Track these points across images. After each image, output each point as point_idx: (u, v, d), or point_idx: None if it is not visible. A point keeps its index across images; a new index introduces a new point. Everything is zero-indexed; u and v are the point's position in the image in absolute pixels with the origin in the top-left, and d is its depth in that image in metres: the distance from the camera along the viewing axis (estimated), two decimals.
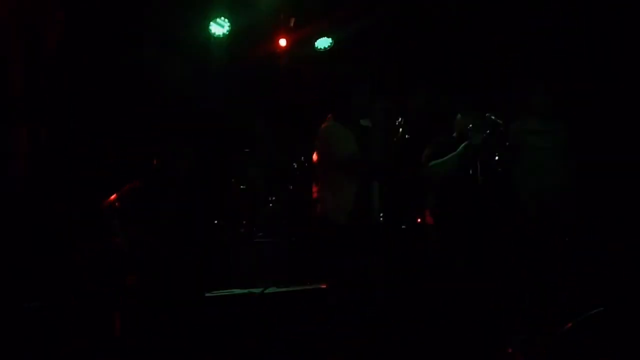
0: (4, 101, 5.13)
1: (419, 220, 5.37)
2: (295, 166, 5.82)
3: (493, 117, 4.78)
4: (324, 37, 6.73)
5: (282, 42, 6.86)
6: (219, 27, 6.45)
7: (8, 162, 5.13)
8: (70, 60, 5.38)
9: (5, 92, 5.15)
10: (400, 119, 4.07)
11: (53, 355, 4.40)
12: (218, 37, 6.46)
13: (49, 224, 5.07)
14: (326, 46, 6.75)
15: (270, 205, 5.94)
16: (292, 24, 6.78)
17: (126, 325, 4.16)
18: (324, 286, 4.26)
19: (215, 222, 5.30)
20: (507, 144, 4.97)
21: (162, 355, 4.10)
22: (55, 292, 4.80)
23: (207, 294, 4.69)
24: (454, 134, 5.00)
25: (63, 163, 5.28)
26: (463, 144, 4.69)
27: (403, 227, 5.68)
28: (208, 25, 6.38)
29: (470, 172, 4.67)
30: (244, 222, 5.74)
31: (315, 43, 6.74)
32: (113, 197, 4.34)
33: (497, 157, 4.81)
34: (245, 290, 5.05)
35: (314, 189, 4.39)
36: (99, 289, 4.66)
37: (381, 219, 4.30)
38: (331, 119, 4.04)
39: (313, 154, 4.98)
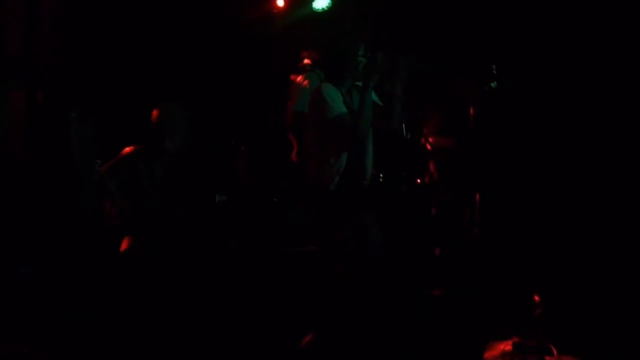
0: (2, 63, 5.11)
1: (418, 181, 5.39)
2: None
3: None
4: None
5: (280, 3, 6.79)
6: None
7: (5, 125, 5.15)
8: (66, 23, 5.35)
9: (4, 54, 5.13)
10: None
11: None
12: None
13: (45, 188, 5.10)
14: (324, 7, 6.66)
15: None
16: None
17: (123, 289, 4.19)
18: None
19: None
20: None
21: (160, 320, 4.15)
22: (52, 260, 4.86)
23: (205, 255, 4.72)
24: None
25: (60, 126, 5.28)
26: None
27: (402, 187, 5.71)
28: None
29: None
30: (244, 184, 5.77)
31: (313, 3, 6.65)
32: (111, 161, 4.35)
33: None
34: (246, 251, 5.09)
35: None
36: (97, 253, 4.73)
37: (381, 179, 4.30)
38: (311, 71, 4.02)
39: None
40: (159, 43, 5.73)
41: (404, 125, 4.19)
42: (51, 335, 4.43)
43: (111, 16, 5.47)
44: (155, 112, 4.31)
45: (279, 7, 6.79)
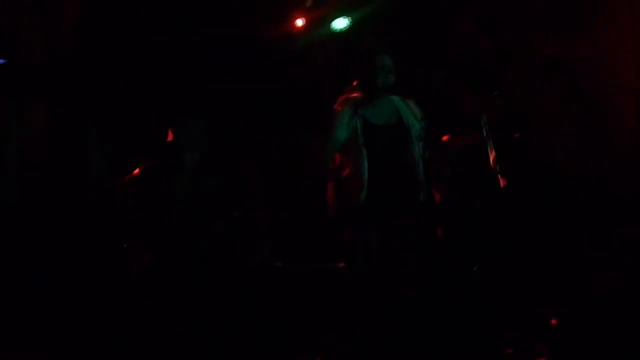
0: (22, 77, 5.14)
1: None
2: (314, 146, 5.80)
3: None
4: (341, 17, 6.63)
5: (299, 22, 6.81)
6: None
7: (24, 140, 5.17)
8: (87, 35, 5.38)
9: (24, 66, 5.17)
10: None
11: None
12: None
13: (64, 202, 5.11)
14: (343, 27, 6.64)
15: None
16: (308, 4, 6.72)
17: (140, 303, 4.16)
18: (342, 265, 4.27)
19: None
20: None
21: (177, 331, 4.12)
22: (69, 273, 4.86)
23: (223, 270, 4.69)
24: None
25: (78, 140, 5.30)
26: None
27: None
28: None
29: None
30: (261, 199, 5.74)
31: (332, 24, 6.65)
32: (129, 175, 4.35)
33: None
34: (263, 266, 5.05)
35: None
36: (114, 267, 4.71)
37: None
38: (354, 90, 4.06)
39: None
40: (179, 58, 5.75)
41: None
42: (64, 341, 4.43)
43: (131, 30, 5.50)
44: (173, 128, 4.31)
45: (299, 27, 6.82)
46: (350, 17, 6.57)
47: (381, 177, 3.98)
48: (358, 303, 4.03)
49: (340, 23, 6.65)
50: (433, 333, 4.03)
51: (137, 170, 4.37)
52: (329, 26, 6.64)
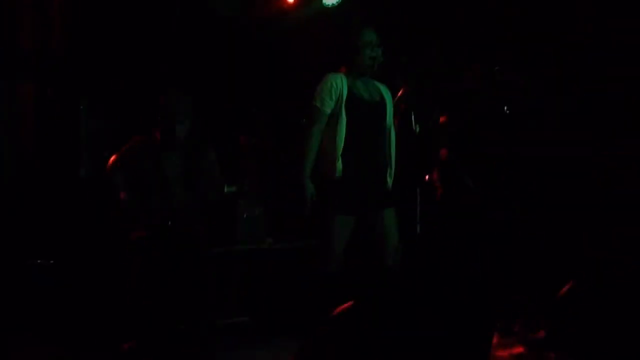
0: (13, 58, 5.12)
1: (426, 177, 5.34)
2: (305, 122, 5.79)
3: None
4: None
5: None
6: None
7: (15, 120, 5.15)
8: (77, 16, 5.36)
9: (14, 48, 5.15)
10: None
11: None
12: None
13: (55, 183, 5.11)
14: (334, 2, 6.58)
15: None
16: None
17: (132, 281, 4.17)
18: None
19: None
20: None
21: (168, 311, 4.13)
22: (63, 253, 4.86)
23: (213, 249, 4.71)
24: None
25: (70, 119, 5.29)
26: None
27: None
28: None
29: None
30: (253, 179, 5.76)
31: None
32: (119, 154, 4.33)
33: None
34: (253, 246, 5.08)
35: None
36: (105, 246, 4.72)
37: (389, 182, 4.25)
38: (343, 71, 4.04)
39: None
40: (170, 35, 5.73)
41: (413, 118, 4.20)
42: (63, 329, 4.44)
43: (121, 9, 5.47)
44: (162, 99, 4.29)
45: (290, 3, 6.77)
46: None
47: (356, 151, 3.96)
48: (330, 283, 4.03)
49: None
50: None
51: (126, 147, 4.35)
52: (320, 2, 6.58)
